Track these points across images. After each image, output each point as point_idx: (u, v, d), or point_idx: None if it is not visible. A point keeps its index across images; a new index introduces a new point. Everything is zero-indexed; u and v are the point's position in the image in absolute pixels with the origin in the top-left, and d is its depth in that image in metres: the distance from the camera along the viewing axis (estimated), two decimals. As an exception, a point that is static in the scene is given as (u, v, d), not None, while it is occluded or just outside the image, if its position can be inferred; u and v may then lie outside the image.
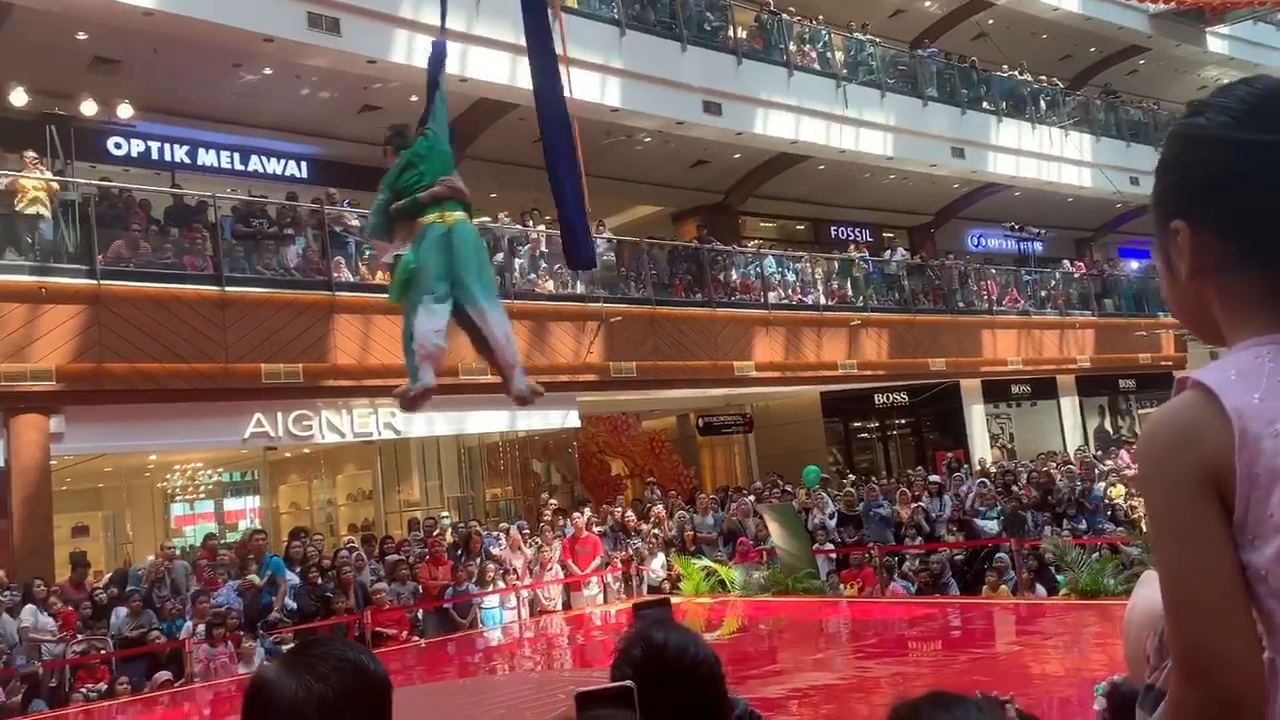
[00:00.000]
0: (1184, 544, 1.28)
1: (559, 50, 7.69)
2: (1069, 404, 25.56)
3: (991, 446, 23.83)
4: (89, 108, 13.21)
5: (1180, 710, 1.29)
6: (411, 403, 6.18)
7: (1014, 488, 14.93)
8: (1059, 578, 11.65)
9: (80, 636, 10.91)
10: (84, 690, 10.50)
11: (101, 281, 12.40)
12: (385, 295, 14.84)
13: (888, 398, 23.54)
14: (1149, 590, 2.11)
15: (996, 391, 24.21)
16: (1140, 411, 28.16)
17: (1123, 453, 19.07)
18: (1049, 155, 25.64)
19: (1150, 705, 2.05)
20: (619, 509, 16.08)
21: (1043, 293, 24.96)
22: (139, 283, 12.79)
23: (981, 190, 26.37)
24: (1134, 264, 30.84)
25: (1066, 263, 26.75)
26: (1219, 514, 1.27)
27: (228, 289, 13.30)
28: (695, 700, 1.72)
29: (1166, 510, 1.30)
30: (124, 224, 13.32)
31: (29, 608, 10.82)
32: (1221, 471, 1.26)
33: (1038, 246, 26.40)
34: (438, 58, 7.00)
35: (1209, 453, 1.27)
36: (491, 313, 6.31)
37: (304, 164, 18.31)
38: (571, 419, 17.16)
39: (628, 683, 1.59)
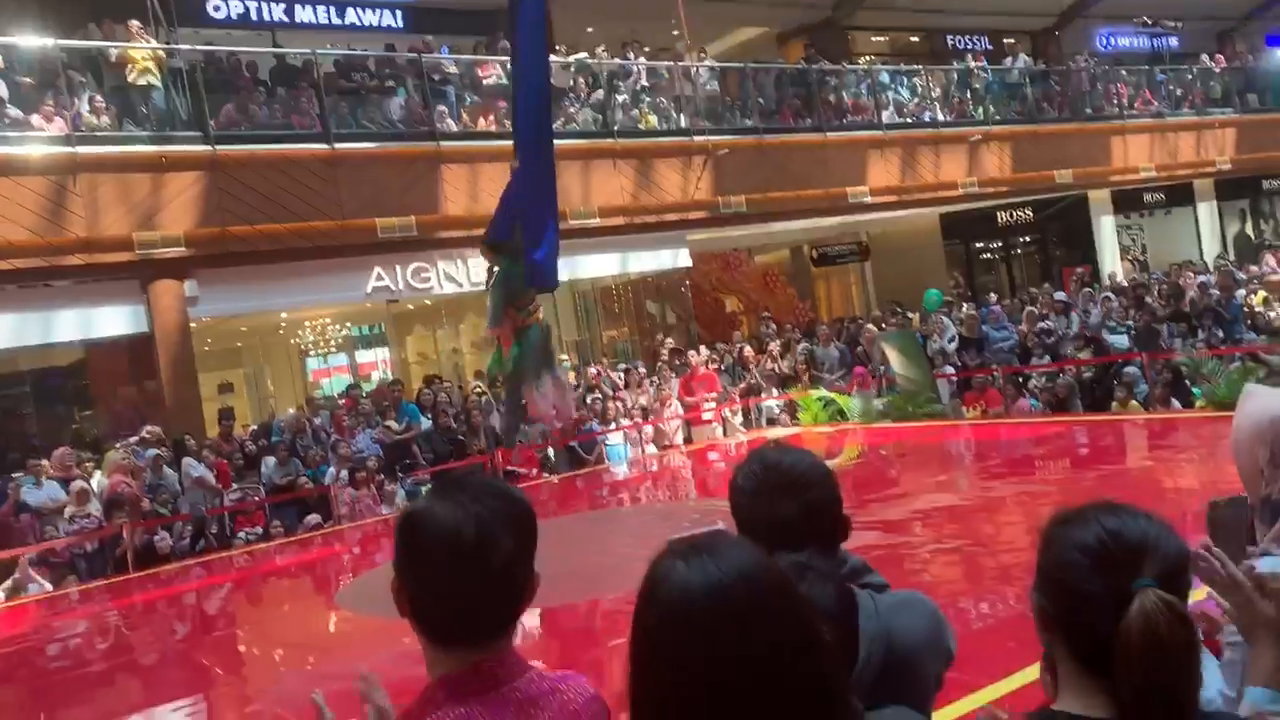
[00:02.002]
0: None
1: None
2: (1206, 210, 24.17)
3: (1122, 259, 22.83)
4: (185, -29, 13.25)
5: None
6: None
7: (1147, 300, 14.35)
8: (1194, 390, 11.27)
9: (235, 486, 11.68)
10: (244, 533, 11.31)
11: (217, 147, 12.66)
12: (490, 143, 14.92)
13: (1011, 215, 22.66)
14: (1253, 404, 2.01)
15: (1127, 201, 23.01)
16: (1286, 213, 26.50)
17: (1269, 257, 18.04)
18: (1186, -62, 23.49)
19: (1269, 517, 1.96)
20: (736, 345, 16.11)
21: (1178, 91, 23.29)
22: (252, 145, 13.03)
23: (1110, -17, 24.48)
24: (1282, 53, 28.43)
25: (1205, 57, 24.78)
26: None
27: (336, 146, 13.44)
28: (811, 503, 1.75)
29: None
30: (232, 88, 13.49)
31: (187, 460, 11.58)
32: None
33: (1173, 42, 24.50)
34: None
35: None
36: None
37: (399, 13, 18.10)
38: (682, 258, 17.07)
39: (721, 527, 1.60)
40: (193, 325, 13.27)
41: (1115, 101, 22.11)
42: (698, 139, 16.34)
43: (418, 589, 1.43)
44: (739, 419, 14.82)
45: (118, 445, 12.00)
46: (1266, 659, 1.56)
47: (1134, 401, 11.49)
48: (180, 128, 12.83)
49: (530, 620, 6.30)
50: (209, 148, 12.62)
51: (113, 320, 12.68)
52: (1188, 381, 11.43)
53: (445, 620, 1.42)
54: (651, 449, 14.14)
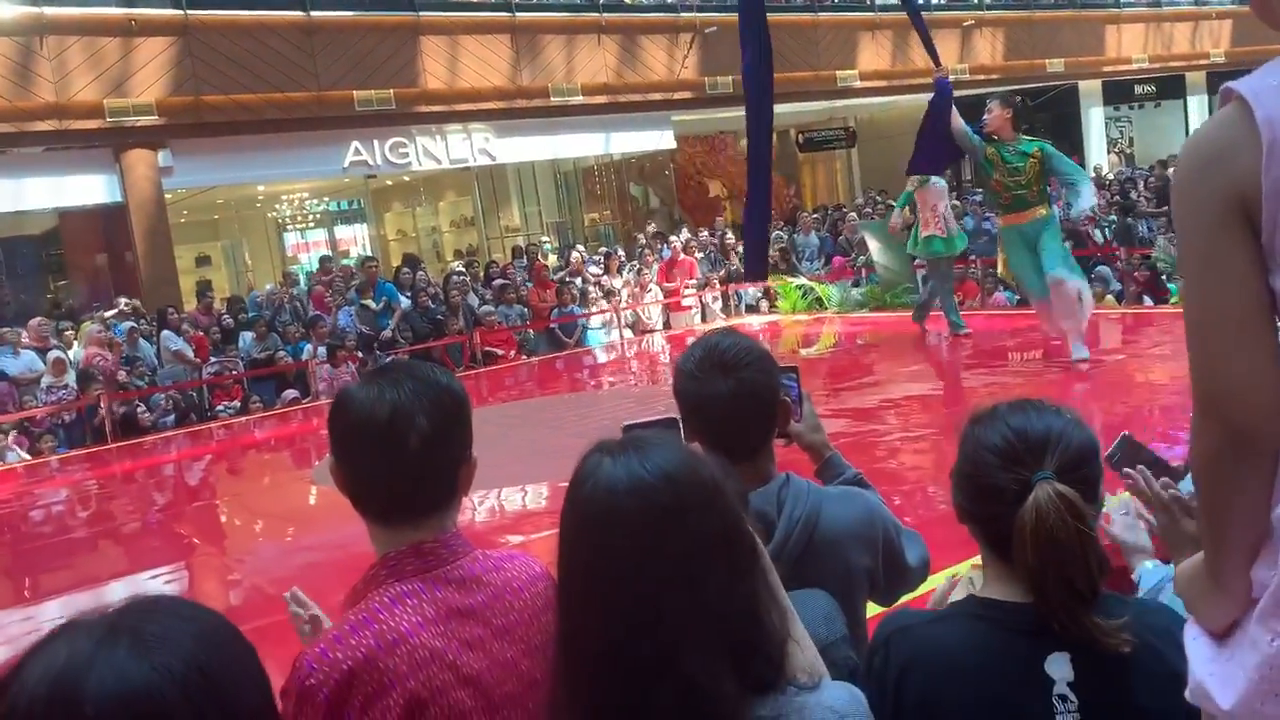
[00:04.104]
0: (1205, 270, 1.20)
1: None
2: (1197, 104, 23.90)
3: (1109, 152, 22.67)
4: None
5: (1197, 445, 1.25)
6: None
7: (1131, 194, 14.32)
8: (1170, 286, 11.35)
9: (213, 359, 11.69)
10: (222, 406, 11.37)
11: (189, 11, 12.28)
12: (471, 14, 14.46)
13: (1000, 104, 22.32)
14: None
15: (1118, 92, 22.72)
16: (1277, 110, 26.20)
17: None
18: None
19: None
20: (718, 232, 16.02)
21: (1178, -23, 22.78)
22: (225, 10, 12.64)
23: None
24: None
25: (1210, -58, 24.18)
26: (1246, 240, 1.16)
27: (313, 13, 13.06)
28: (742, 381, 1.79)
29: (1191, 234, 1.21)
30: (202, -53, 13.00)
31: (166, 333, 11.54)
32: (1252, 191, 1.15)
33: (1178, -76, 23.82)
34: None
35: (1240, 172, 1.16)
36: None
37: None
38: (666, 140, 16.84)
39: (674, 415, 1.63)
40: (168, 196, 13.08)
41: (1113, -12, 21.63)
42: (685, 15, 15.93)
43: (345, 469, 1.49)
44: (718, 305, 14.84)
45: (93, 317, 11.94)
46: None
47: (1109, 296, 11.57)
48: (150, -11, 12.42)
49: (498, 497, 6.43)
50: (180, 11, 12.24)
51: (85, 189, 12.49)
52: (1164, 277, 11.51)
53: (373, 499, 1.48)
54: (629, 333, 14.18)
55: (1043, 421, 1.47)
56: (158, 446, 10.32)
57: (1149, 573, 1.77)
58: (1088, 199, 8.14)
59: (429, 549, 1.45)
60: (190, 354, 11.51)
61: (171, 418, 11.07)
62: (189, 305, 13.08)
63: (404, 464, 1.43)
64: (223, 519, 7.59)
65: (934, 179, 10.13)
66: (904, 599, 2.03)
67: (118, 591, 5.67)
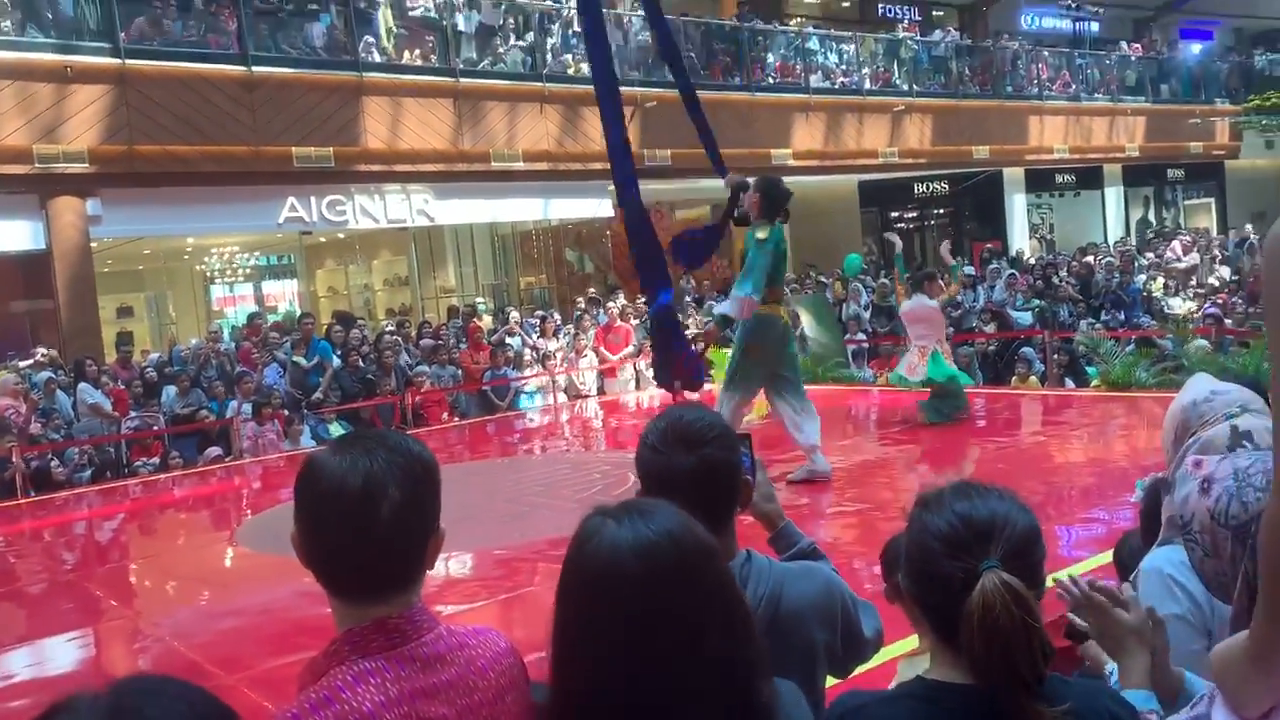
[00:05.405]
0: None
1: None
2: (1113, 194, 24.95)
3: (1030, 237, 23.48)
4: None
5: (1275, 516, 1.23)
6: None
7: (1055, 279, 14.82)
8: (1090, 370, 11.71)
9: (134, 414, 11.37)
10: (140, 463, 11.03)
11: (126, 60, 12.16)
12: (416, 77, 14.51)
13: (927, 187, 23.05)
14: (1183, 391, 2.13)
15: (1040, 180, 23.62)
16: (1186, 203, 27.46)
17: (1175, 244, 18.67)
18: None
19: (1166, 491, 2.12)
20: (652, 297, 16.15)
21: (1096, 75, 23.91)
22: (164, 62, 12.54)
23: (1039, -37, 24.92)
24: (1195, 46, 29.25)
25: (1124, 44, 25.44)
26: None
27: (254, 69, 13.01)
28: (705, 458, 1.80)
29: None
30: (144, -1, 12.92)
31: (84, 385, 11.21)
32: None
33: (1094, 27, 25.08)
34: None
35: None
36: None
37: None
38: (604, 208, 17.00)
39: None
40: (93, 245, 12.80)
41: (1035, 81, 22.59)
42: (625, 89, 16.16)
43: (311, 540, 1.43)
44: (652, 373, 14.87)
45: (9, 366, 11.57)
46: (1138, 663, 1.66)
47: (1032, 378, 11.90)
48: (88, 37, 12.26)
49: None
50: (118, 60, 12.10)
51: (8, 235, 12.19)
52: (1083, 362, 11.87)
53: (339, 573, 1.43)
54: (563, 398, 14.15)
55: (987, 507, 1.49)
56: (70, 503, 9.96)
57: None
58: (722, 305, 7.07)
59: (394, 625, 1.40)
60: (108, 407, 11.18)
61: (88, 473, 10.72)
62: (110, 357, 12.74)
63: (374, 536, 1.39)
64: (135, 580, 7.32)
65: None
66: (858, 671, 2.04)
67: (23, 657, 5.42)
